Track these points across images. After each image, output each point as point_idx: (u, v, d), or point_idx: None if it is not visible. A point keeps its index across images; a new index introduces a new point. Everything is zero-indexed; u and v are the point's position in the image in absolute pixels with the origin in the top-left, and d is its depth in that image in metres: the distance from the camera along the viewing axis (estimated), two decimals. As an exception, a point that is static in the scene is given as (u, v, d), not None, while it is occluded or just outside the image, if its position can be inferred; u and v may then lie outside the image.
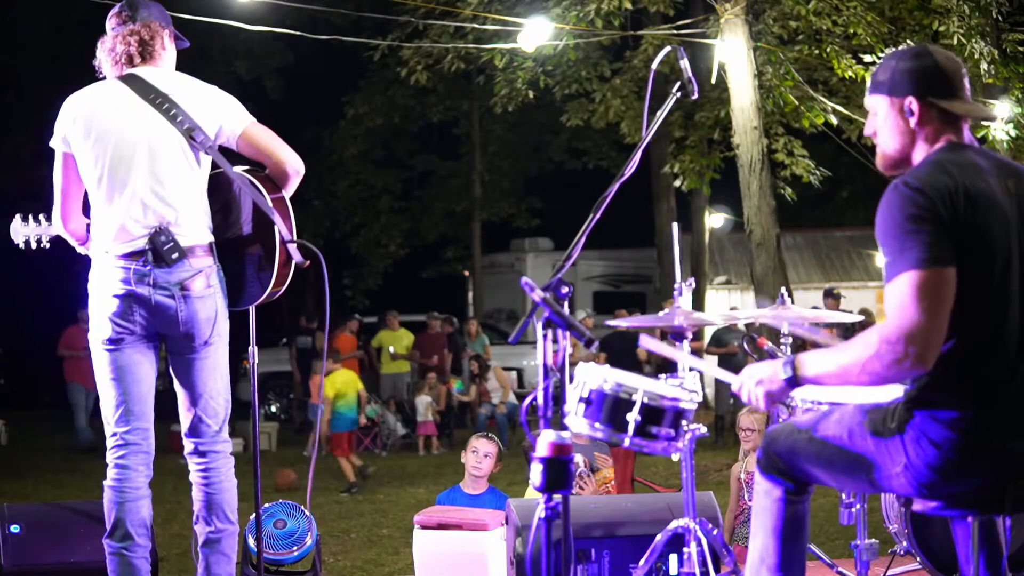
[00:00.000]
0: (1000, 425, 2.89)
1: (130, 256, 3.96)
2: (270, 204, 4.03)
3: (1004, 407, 2.89)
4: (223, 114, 4.07)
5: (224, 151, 4.10)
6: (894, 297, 2.79)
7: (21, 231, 4.47)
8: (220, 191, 4.13)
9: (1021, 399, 2.90)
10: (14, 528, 4.59)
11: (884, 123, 3.08)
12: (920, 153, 3.05)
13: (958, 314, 2.83)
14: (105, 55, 4.14)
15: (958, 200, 2.83)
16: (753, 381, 3.08)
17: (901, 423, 2.97)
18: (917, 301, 2.75)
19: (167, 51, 4.18)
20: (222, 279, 4.09)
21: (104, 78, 4.16)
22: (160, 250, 3.93)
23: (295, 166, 4.12)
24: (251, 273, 4.12)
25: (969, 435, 2.87)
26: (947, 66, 3.03)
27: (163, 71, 4.12)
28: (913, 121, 3.03)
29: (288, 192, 4.16)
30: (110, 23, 4.16)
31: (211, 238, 4.06)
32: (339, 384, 11.90)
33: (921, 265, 2.76)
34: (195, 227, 4.02)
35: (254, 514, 4.57)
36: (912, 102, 3.02)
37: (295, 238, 4.08)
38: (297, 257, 4.04)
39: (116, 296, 3.97)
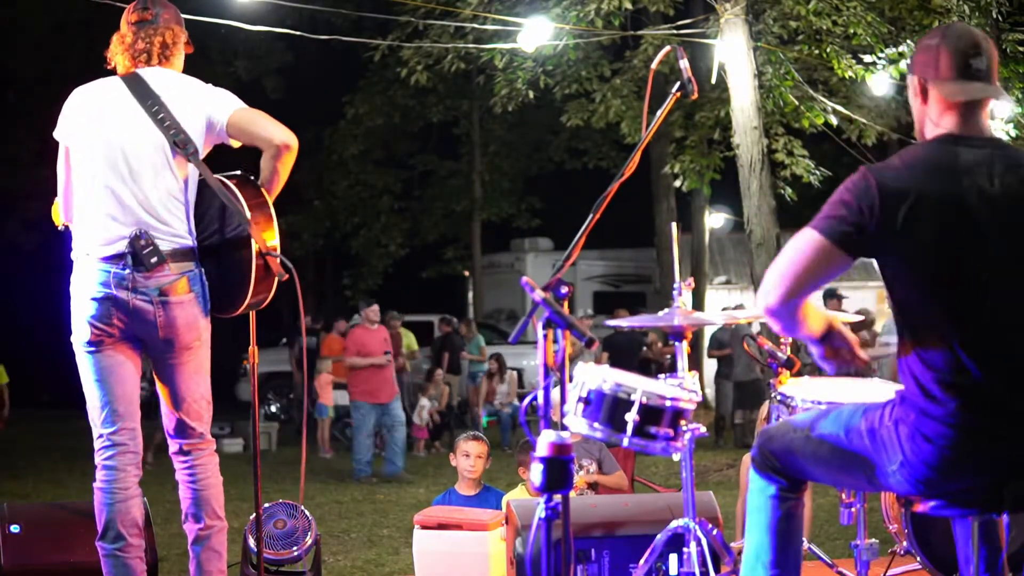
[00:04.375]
0: (990, 420, 2.91)
1: (110, 259, 3.94)
2: (248, 217, 3.96)
3: (992, 401, 2.90)
4: (210, 106, 4.04)
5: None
6: (791, 241, 3.01)
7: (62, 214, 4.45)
8: (205, 197, 4.10)
9: (1010, 393, 2.91)
10: (14, 528, 4.58)
11: (910, 99, 3.15)
12: (928, 134, 3.08)
13: (939, 310, 2.89)
14: (123, 50, 4.12)
15: (904, 203, 2.88)
16: None
17: (896, 420, 2.99)
18: (795, 252, 2.96)
19: (180, 56, 4.20)
20: (204, 283, 4.05)
21: (113, 69, 4.16)
22: (140, 254, 3.91)
23: (283, 139, 4.02)
24: (233, 279, 4.06)
25: (961, 430, 2.89)
26: (955, 45, 3.00)
27: (167, 74, 4.11)
28: (919, 101, 3.08)
29: (284, 168, 4.06)
30: (130, 17, 4.15)
31: (193, 243, 4.03)
32: None
33: (821, 230, 2.94)
34: (176, 232, 3.99)
35: (254, 514, 4.56)
36: (917, 82, 3.07)
37: (277, 246, 4.02)
38: (275, 268, 3.98)
39: (95, 299, 3.96)
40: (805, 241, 2.96)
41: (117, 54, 4.15)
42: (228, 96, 4.10)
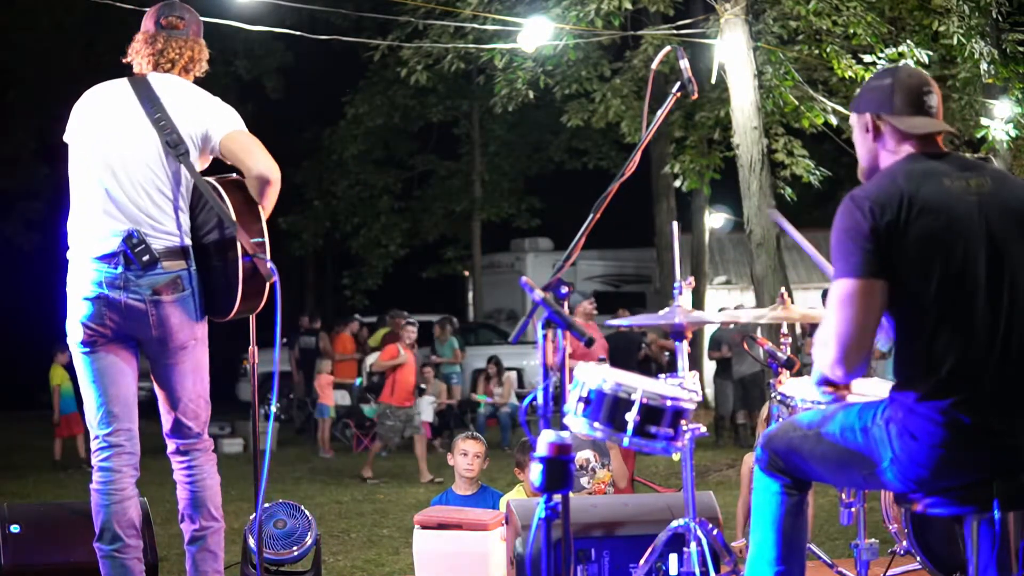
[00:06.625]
0: (979, 416, 2.95)
1: (103, 259, 3.94)
2: (234, 219, 3.95)
3: (979, 398, 2.96)
4: (211, 120, 4.04)
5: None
6: (827, 303, 3.04)
7: None
8: (201, 198, 4.09)
9: (997, 389, 2.97)
10: (14, 528, 4.58)
11: (856, 139, 3.27)
12: (885, 164, 3.18)
13: (929, 306, 2.96)
14: (149, 52, 4.11)
15: (900, 207, 2.97)
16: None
17: (887, 419, 3.06)
18: (841, 308, 2.97)
19: (199, 71, 4.21)
20: (197, 282, 4.03)
21: (127, 64, 4.16)
22: (132, 253, 3.91)
23: (262, 171, 4.00)
24: (226, 280, 4.04)
25: (949, 427, 2.95)
26: (907, 83, 3.16)
27: (174, 80, 4.11)
28: (870, 137, 3.20)
29: (266, 202, 4.05)
30: (160, 21, 4.13)
31: (187, 242, 4.02)
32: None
33: (850, 275, 2.97)
34: (169, 231, 3.98)
35: (254, 514, 4.56)
36: (868, 119, 3.19)
37: (267, 251, 4.01)
38: (263, 270, 3.96)
39: (87, 299, 3.96)
40: (839, 295, 2.98)
41: (141, 55, 4.14)
42: (231, 115, 4.10)
